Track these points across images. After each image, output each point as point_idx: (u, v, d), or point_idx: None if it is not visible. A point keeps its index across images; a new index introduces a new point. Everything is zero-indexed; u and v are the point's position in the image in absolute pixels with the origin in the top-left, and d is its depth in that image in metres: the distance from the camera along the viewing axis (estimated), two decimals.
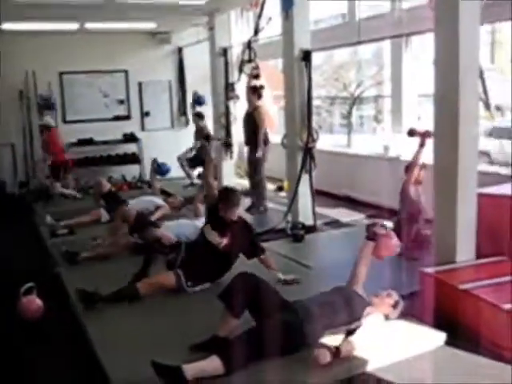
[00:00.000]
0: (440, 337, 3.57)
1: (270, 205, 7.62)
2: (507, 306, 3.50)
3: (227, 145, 8.60)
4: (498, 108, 8.52)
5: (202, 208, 6.20)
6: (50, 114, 9.49)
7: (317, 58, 6.58)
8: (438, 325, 3.67)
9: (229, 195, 4.65)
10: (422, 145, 5.41)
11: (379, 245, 3.85)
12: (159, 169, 8.01)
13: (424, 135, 5.38)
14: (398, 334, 3.64)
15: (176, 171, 9.45)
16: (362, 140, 9.47)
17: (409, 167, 5.49)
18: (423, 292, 4.10)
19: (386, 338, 3.56)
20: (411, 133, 5.58)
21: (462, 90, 4.09)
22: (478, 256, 4.36)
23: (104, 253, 5.51)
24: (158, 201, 7.23)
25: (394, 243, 3.92)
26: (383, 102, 9.53)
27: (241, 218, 4.80)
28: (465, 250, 4.29)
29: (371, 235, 3.88)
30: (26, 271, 5.37)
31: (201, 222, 5.88)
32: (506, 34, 6.68)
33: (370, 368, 3.28)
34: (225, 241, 4.57)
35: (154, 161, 8.09)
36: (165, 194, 8.05)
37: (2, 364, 3.72)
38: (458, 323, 3.72)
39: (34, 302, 4.33)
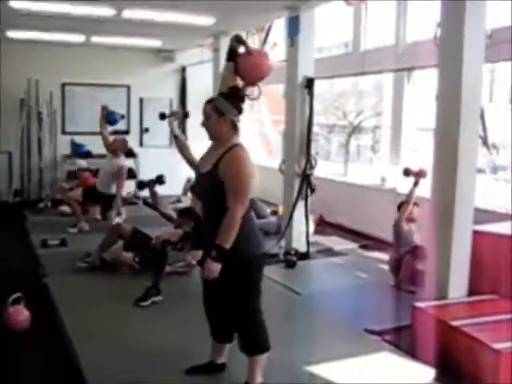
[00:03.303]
0: (429, 373, 3.55)
1: None
2: (497, 346, 3.49)
3: None
4: (494, 146, 8.63)
5: None
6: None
7: (318, 86, 6.62)
8: (428, 360, 3.65)
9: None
10: (415, 183, 5.53)
11: (240, 66, 3.29)
12: (109, 116, 7.39)
13: (418, 175, 5.50)
14: (387, 368, 3.62)
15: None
16: (358, 169, 9.50)
17: (402, 205, 5.57)
18: (414, 326, 4.08)
19: (375, 370, 3.55)
20: (406, 172, 5.71)
21: (463, 127, 4.13)
22: (470, 293, 4.37)
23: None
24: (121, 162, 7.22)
25: (258, 62, 3.32)
26: (381, 132, 9.59)
27: None
28: (457, 287, 4.29)
29: (229, 55, 3.34)
30: (14, 281, 5.35)
31: None
32: (504, 72, 6.76)
33: None
34: None
35: (104, 107, 7.44)
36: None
37: None
38: (448, 360, 3.70)
39: (22, 312, 4.27)
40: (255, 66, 3.30)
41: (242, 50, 3.31)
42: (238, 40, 3.30)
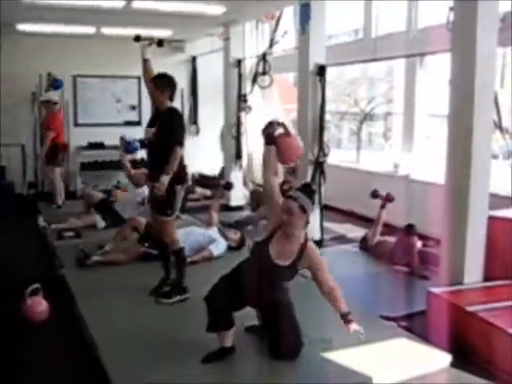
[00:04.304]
0: (445, 358, 3.55)
1: None
2: None
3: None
4: (507, 131, 8.56)
5: (215, 217, 6.23)
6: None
7: (329, 73, 6.58)
8: (443, 346, 3.66)
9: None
10: (382, 206, 5.65)
11: (281, 147, 3.42)
12: (128, 146, 7.11)
13: (386, 199, 5.61)
14: (403, 354, 3.63)
15: None
16: (370, 156, 9.46)
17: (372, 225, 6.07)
18: (430, 312, 4.09)
19: (391, 356, 3.56)
20: (374, 194, 5.83)
21: (477, 112, 4.11)
22: (485, 279, 4.36)
23: (114, 259, 5.46)
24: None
25: (296, 143, 3.51)
26: (392, 119, 9.53)
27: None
28: (473, 272, 4.29)
29: (269, 139, 3.45)
30: (31, 272, 5.40)
31: (213, 231, 5.88)
32: None
33: None
34: None
35: (122, 138, 7.21)
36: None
37: (2, 365, 3.70)
38: (464, 345, 3.71)
39: (40, 303, 4.32)
40: (294, 147, 3.50)
41: (279, 131, 3.45)
42: (278, 123, 3.48)
